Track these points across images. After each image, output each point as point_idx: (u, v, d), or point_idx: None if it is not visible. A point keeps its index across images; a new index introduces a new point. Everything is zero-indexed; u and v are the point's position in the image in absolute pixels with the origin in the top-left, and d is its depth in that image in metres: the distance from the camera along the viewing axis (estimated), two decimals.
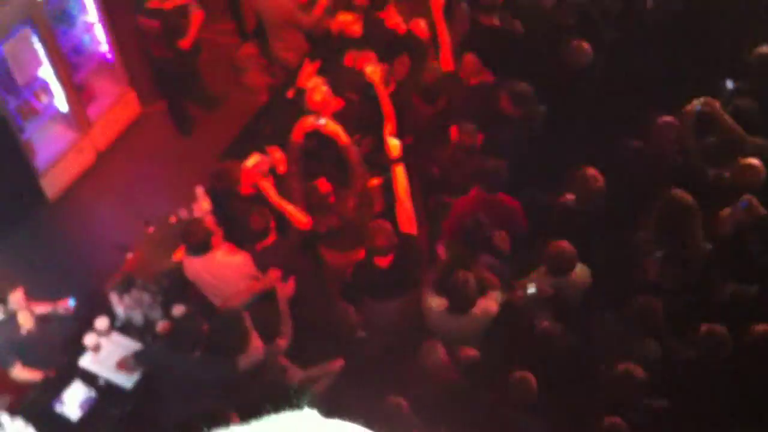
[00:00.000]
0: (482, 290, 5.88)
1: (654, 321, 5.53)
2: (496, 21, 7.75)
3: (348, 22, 8.39)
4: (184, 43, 8.84)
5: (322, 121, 6.74)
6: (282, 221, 6.65)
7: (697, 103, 6.38)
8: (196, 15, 8.89)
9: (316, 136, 6.83)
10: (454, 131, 6.89)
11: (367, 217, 6.63)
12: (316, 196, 6.67)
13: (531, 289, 5.79)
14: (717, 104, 6.38)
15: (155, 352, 6.34)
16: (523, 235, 6.51)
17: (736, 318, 5.51)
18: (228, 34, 10.22)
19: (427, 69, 7.30)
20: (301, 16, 8.59)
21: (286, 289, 6.30)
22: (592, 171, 6.26)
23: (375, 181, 6.92)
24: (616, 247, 6.24)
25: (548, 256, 5.88)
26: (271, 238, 6.54)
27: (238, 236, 6.69)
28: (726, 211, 5.92)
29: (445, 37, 7.37)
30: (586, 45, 7.07)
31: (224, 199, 6.88)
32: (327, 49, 8.44)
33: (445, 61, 7.40)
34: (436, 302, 5.93)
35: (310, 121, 6.78)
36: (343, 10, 8.65)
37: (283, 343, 6.03)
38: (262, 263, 6.47)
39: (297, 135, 6.80)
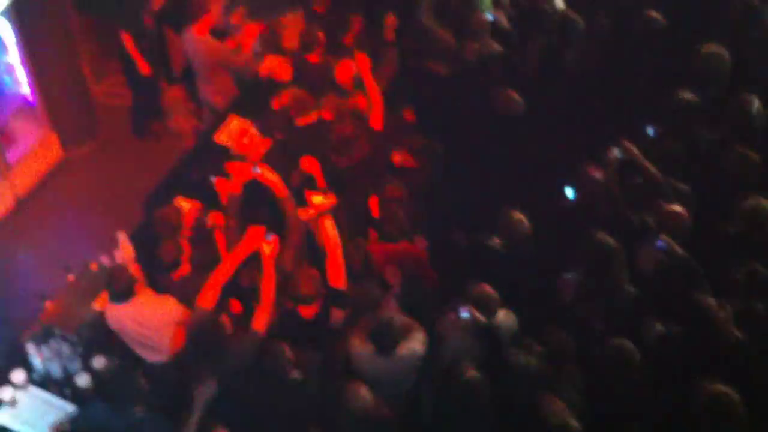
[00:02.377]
0: (407, 331, 5.86)
1: (569, 353, 5.56)
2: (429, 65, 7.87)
3: (276, 65, 8.35)
4: None
5: (258, 170, 6.64)
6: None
7: (616, 149, 6.47)
8: None
9: (253, 186, 6.71)
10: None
11: (302, 268, 6.50)
12: None
13: (464, 314, 5.75)
14: (635, 149, 6.47)
15: (93, 414, 5.93)
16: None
17: (663, 358, 5.55)
18: None
19: (339, 122, 7.23)
20: (231, 56, 8.53)
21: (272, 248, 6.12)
22: (518, 215, 6.27)
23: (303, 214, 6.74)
24: (544, 293, 6.22)
25: (471, 298, 5.84)
26: (185, 269, 6.41)
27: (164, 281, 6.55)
28: (644, 252, 5.97)
29: (375, 93, 7.32)
30: (516, 95, 7.15)
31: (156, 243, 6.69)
32: (256, 93, 8.38)
33: (375, 118, 7.36)
34: (361, 346, 5.86)
35: (246, 171, 6.65)
36: (272, 54, 8.63)
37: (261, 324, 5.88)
38: (181, 296, 6.32)
39: (236, 187, 6.66)
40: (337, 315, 6.13)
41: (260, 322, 5.91)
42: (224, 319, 5.94)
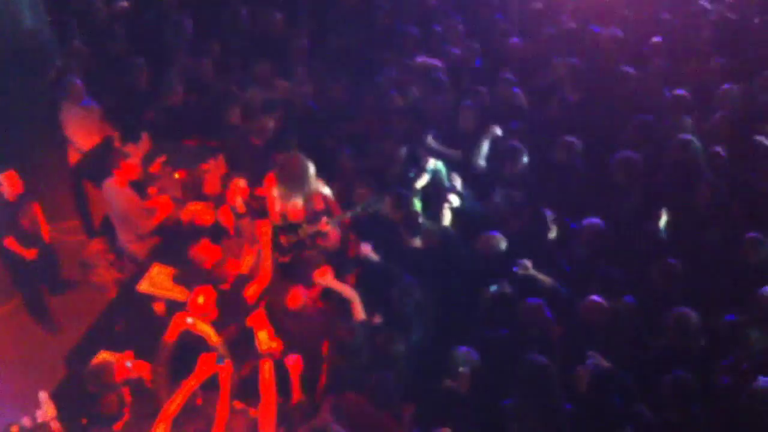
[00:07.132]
0: None
1: None
2: None
3: (199, 211, 8.35)
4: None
5: (190, 320, 6.55)
6: None
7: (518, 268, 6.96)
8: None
9: (186, 335, 6.59)
10: None
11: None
12: None
13: None
14: (529, 265, 6.97)
15: None
16: None
17: None
18: (74, 232, 9.98)
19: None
20: (142, 218, 8.54)
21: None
22: (464, 348, 6.28)
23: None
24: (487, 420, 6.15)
25: None
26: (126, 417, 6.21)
27: None
28: (579, 371, 6.05)
29: (267, 262, 7.24)
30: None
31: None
32: (177, 239, 8.32)
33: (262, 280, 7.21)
34: None
35: (181, 321, 6.55)
36: (194, 200, 8.64)
37: None
38: None
39: (171, 335, 6.52)
40: None
41: None
42: None
